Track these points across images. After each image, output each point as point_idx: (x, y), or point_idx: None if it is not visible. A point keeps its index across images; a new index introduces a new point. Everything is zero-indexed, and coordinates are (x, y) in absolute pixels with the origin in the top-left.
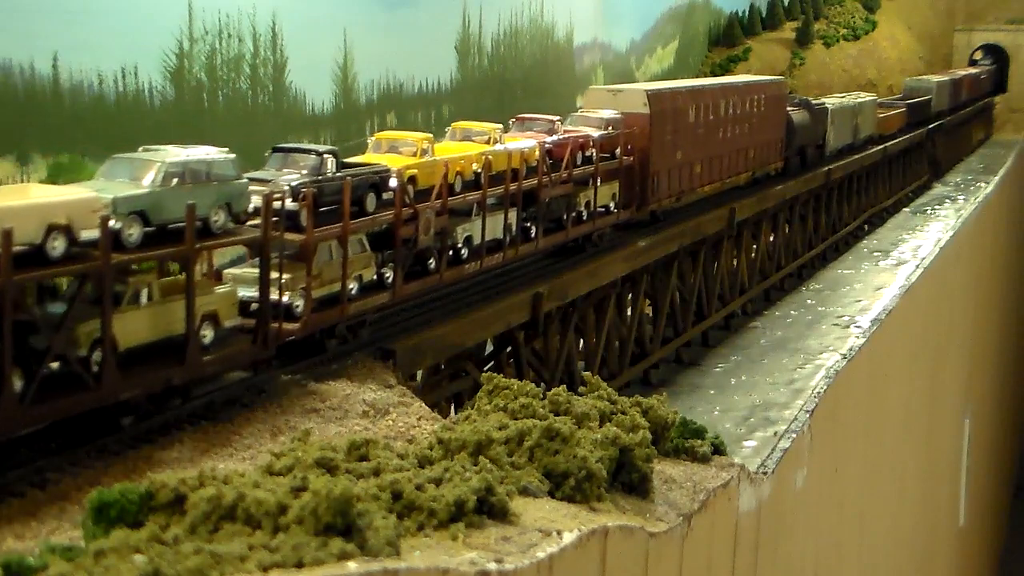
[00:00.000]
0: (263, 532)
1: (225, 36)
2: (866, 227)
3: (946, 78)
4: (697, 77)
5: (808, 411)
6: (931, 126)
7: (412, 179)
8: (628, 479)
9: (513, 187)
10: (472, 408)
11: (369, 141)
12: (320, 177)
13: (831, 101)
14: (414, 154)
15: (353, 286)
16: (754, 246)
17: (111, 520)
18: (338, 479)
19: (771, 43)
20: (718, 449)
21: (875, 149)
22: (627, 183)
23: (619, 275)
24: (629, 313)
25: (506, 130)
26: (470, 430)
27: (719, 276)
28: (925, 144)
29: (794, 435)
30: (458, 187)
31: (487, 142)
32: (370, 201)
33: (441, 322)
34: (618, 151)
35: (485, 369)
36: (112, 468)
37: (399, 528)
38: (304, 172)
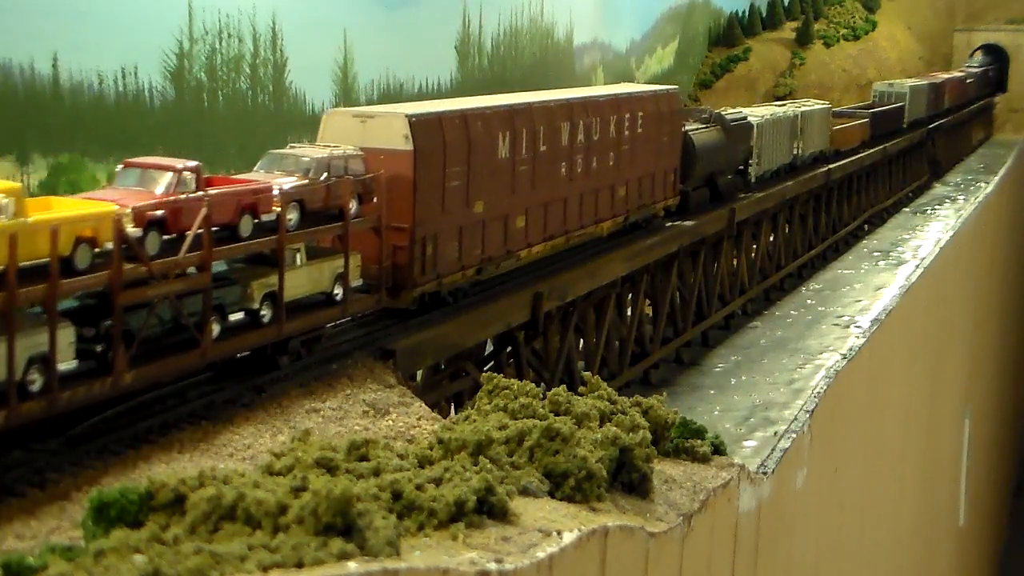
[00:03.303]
0: (263, 532)
1: (225, 36)
2: (866, 227)
3: (923, 82)
4: (698, 77)
5: (808, 411)
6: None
7: None
8: (628, 479)
9: (32, 291)
10: (472, 408)
11: None
12: None
13: (760, 113)
14: None
15: None
16: (754, 246)
17: (111, 520)
18: (338, 479)
19: (771, 43)
20: (718, 449)
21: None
22: (375, 255)
23: (619, 275)
24: (629, 313)
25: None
26: (470, 430)
27: (719, 276)
28: (925, 144)
29: (794, 435)
30: None
31: None
32: None
33: (441, 322)
34: (353, 206)
35: (485, 369)
36: (112, 468)
37: (399, 528)
38: None
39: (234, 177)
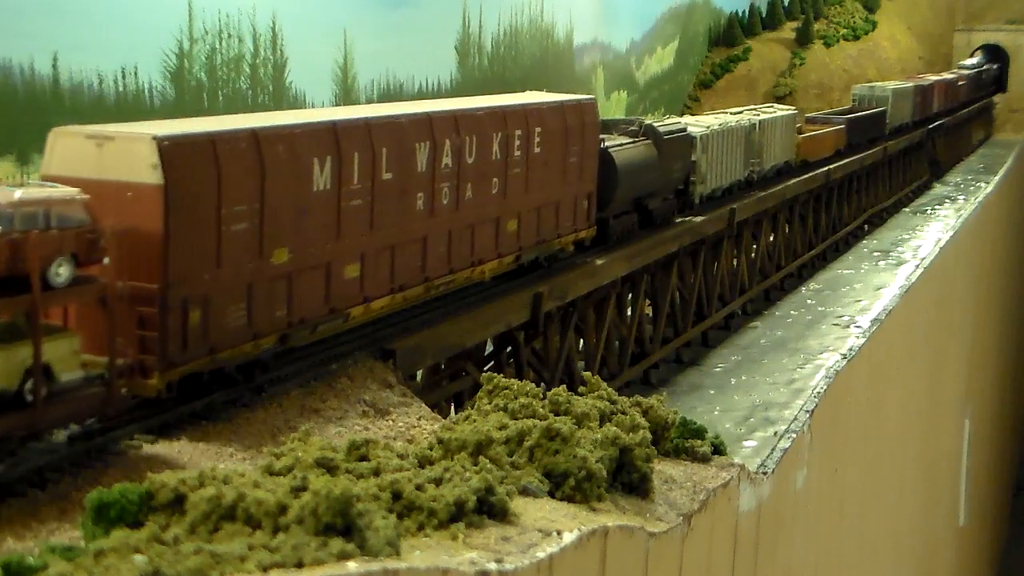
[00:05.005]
0: (263, 532)
1: (225, 36)
2: (866, 227)
3: (908, 85)
4: (698, 77)
5: (808, 411)
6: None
7: None
8: (628, 479)
9: None
10: (472, 408)
11: None
12: None
13: (706, 122)
14: None
15: None
16: (754, 246)
17: (111, 520)
18: (338, 479)
19: (771, 43)
20: (718, 449)
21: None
22: (116, 331)
23: (619, 275)
24: (629, 313)
25: None
26: (470, 430)
27: (719, 276)
28: (925, 144)
29: (794, 435)
30: None
31: None
32: None
33: (441, 322)
34: (63, 271)
35: (485, 369)
36: (112, 468)
37: (399, 528)
38: None
39: None
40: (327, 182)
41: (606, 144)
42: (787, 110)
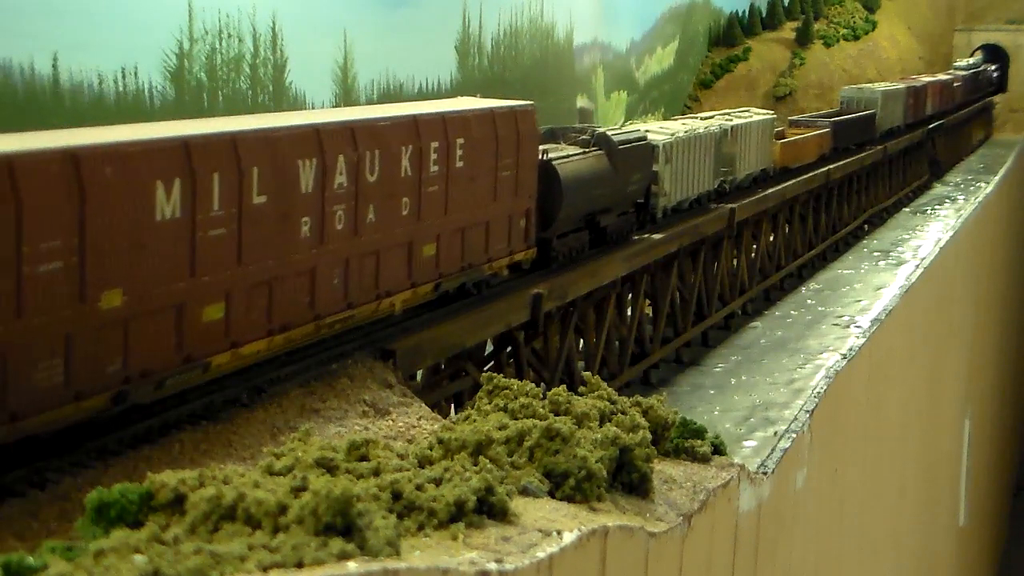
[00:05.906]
0: (263, 532)
1: (225, 36)
2: (866, 227)
3: (899, 86)
4: (698, 77)
5: (808, 411)
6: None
7: None
8: (628, 479)
9: None
10: (472, 408)
11: None
12: None
13: (671, 129)
14: None
15: None
16: (754, 246)
17: (111, 520)
18: (338, 479)
19: (771, 43)
20: (718, 449)
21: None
22: None
23: (619, 275)
24: (629, 313)
25: None
26: (470, 430)
27: (719, 276)
28: (925, 144)
29: (794, 435)
30: None
31: None
32: None
33: (441, 322)
34: None
35: (485, 369)
36: (112, 468)
37: (399, 528)
38: None
39: None
40: (176, 209)
41: (549, 156)
42: (764, 114)
